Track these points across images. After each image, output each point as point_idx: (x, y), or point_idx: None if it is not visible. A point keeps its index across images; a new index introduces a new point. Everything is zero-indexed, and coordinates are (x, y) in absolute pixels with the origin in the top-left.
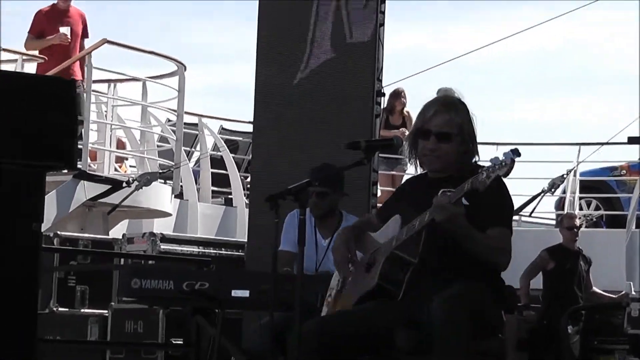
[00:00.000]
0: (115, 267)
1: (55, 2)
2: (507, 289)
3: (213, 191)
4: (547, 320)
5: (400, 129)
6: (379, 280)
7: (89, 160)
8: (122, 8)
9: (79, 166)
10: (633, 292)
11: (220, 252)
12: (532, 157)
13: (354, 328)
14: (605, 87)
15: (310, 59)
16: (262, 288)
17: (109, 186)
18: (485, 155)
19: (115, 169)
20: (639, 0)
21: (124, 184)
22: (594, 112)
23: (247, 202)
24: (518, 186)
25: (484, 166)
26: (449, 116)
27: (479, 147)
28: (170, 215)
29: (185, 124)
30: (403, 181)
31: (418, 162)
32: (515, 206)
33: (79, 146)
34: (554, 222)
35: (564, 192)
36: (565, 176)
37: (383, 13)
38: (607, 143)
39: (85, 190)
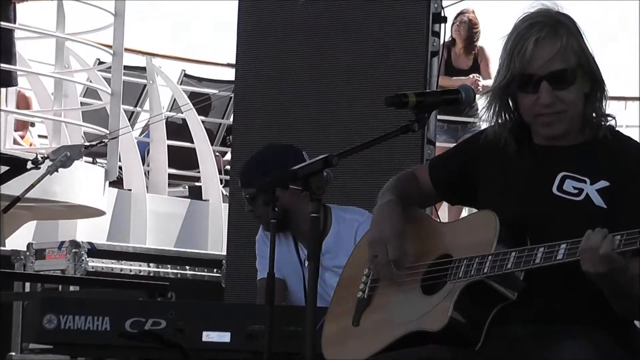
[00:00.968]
0: (17, 297)
1: None
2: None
3: (171, 176)
4: None
5: (471, 75)
6: (452, 317)
7: None
8: None
9: None
10: None
11: (184, 272)
12: None
13: None
14: None
15: None
16: (250, 329)
17: (5, 167)
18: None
19: (15, 141)
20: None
21: (29, 165)
22: None
23: (224, 192)
24: None
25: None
26: (560, 43)
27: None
28: (103, 214)
29: (126, 68)
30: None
31: (510, 132)
32: None
33: None
34: None
35: None
36: None
37: None
38: None
39: None
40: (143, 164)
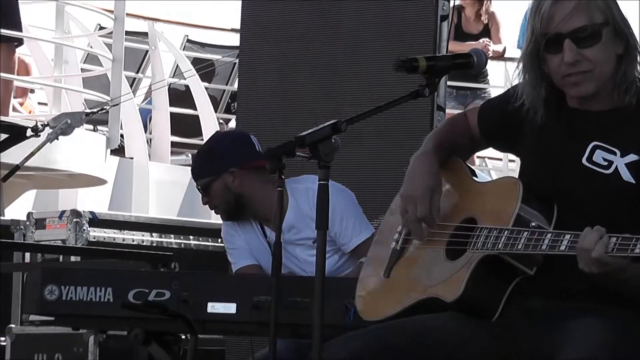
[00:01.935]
0: (17, 268)
1: None
2: None
3: (174, 144)
4: None
5: (481, 40)
6: (466, 288)
7: None
8: None
9: None
10: None
11: (188, 241)
12: None
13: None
14: None
15: None
16: (255, 300)
17: (4, 135)
18: None
19: (14, 108)
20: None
21: (29, 132)
22: None
23: None
24: None
25: None
26: None
27: None
28: (104, 182)
29: (127, 33)
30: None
31: (540, 94)
32: None
33: None
34: None
35: None
36: None
37: None
38: None
39: None
40: (145, 132)
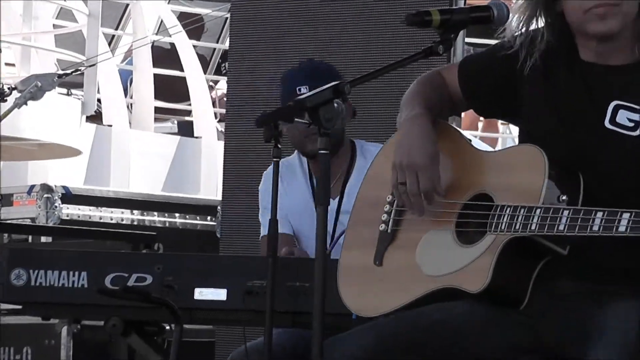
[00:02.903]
0: None
1: None
2: None
3: (157, 109)
4: None
5: None
6: (494, 276)
7: None
8: None
9: None
10: None
11: (173, 219)
12: None
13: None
14: None
15: None
16: (249, 285)
17: None
18: None
19: None
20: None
21: None
22: None
23: (219, 128)
24: None
25: None
26: None
27: None
28: (79, 153)
29: None
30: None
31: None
32: None
33: None
34: None
35: None
36: None
37: None
38: None
39: None
40: (125, 96)
